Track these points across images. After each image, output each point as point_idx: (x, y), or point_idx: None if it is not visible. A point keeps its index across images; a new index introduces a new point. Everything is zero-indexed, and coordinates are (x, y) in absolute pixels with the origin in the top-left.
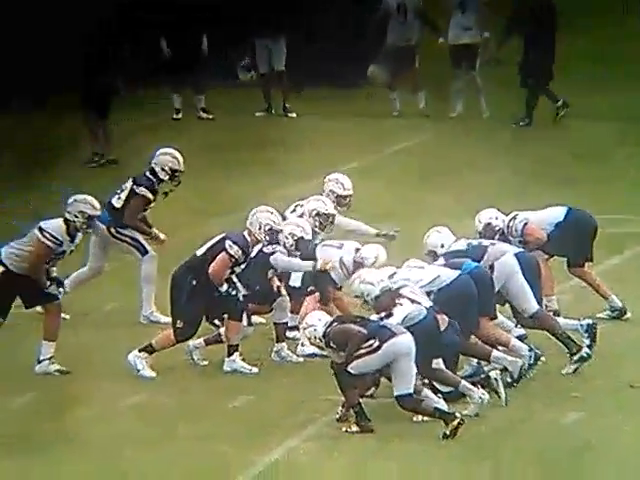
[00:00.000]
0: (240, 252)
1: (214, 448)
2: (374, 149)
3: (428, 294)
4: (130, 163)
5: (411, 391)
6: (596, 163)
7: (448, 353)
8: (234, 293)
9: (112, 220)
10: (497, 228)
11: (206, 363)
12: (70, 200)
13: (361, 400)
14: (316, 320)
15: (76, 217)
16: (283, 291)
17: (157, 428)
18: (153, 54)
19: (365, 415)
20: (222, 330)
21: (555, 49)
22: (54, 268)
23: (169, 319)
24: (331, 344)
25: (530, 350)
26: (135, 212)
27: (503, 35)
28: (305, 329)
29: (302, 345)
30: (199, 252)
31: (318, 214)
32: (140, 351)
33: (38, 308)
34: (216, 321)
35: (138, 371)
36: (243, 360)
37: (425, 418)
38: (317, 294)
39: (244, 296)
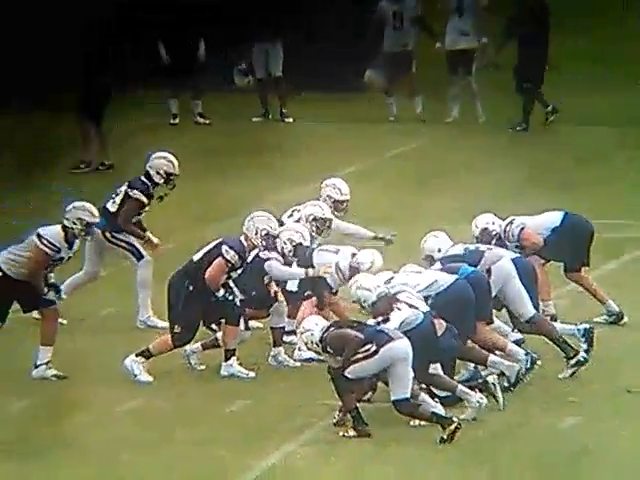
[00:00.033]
0: (236, 257)
1: (211, 452)
2: (371, 154)
3: (426, 299)
4: (128, 167)
5: (408, 396)
6: (594, 167)
7: (446, 358)
8: (231, 298)
9: (107, 224)
10: (494, 233)
11: (203, 367)
12: (69, 207)
13: (358, 404)
14: (313, 325)
15: (74, 224)
16: (280, 296)
17: (154, 432)
18: (152, 56)
19: (362, 419)
20: (219, 335)
21: (548, 52)
22: (52, 274)
23: (166, 324)
24: (328, 349)
25: (526, 354)
26: (129, 216)
27: (503, 38)
28: (302, 334)
29: (299, 350)
30: (196, 257)
31: (315, 219)
32: (137, 356)
33: (34, 313)
34: (213, 326)
35: (135, 376)
36: (240, 365)
37: (422, 422)
38: (314, 299)
39: (241, 301)
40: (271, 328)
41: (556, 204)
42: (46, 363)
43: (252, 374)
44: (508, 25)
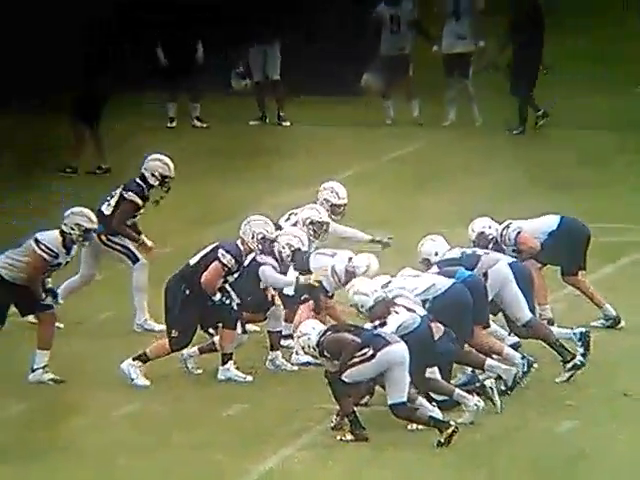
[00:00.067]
0: (233, 261)
1: (209, 456)
2: (369, 157)
3: (423, 302)
4: (125, 170)
5: (405, 399)
6: (592, 170)
7: (443, 362)
8: (228, 302)
9: (102, 227)
10: (490, 237)
11: (200, 371)
12: (67, 212)
13: (355, 409)
14: (310, 329)
15: (72, 229)
16: (277, 300)
17: (151, 436)
18: (150, 58)
19: (359, 424)
20: (216, 339)
21: (542, 54)
22: (49, 279)
23: (163, 327)
24: (325, 353)
25: (523, 358)
26: (124, 218)
27: (504, 42)
28: (299, 338)
29: (296, 353)
30: (192, 261)
31: (312, 222)
32: (134, 360)
33: (31, 318)
34: (210, 330)
35: (132, 380)
36: (237, 369)
37: (419, 426)
38: (311, 302)
39: (238, 305)
40: (268, 332)
41: (554, 207)
42: (43, 367)
43: (249, 378)
44: (508, 29)
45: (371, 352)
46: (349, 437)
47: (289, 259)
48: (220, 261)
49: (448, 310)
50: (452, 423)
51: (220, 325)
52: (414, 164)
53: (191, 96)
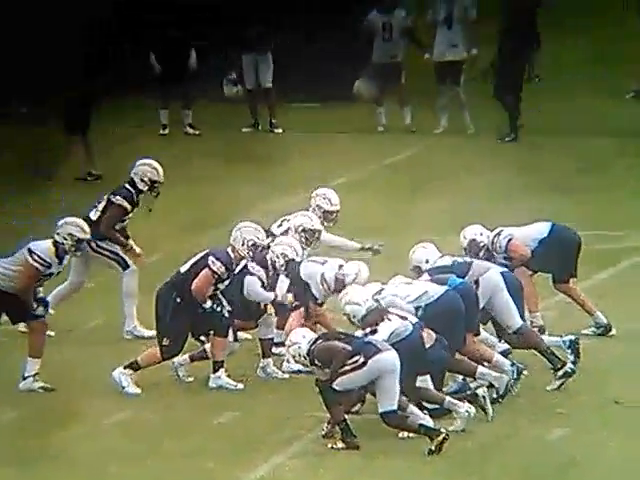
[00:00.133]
0: (223, 268)
1: (200, 464)
2: (361, 164)
3: (416, 310)
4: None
5: (395, 407)
6: (586, 177)
7: (435, 369)
8: (219, 309)
9: (91, 234)
10: (482, 244)
11: (191, 379)
12: (60, 222)
13: (346, 417)
14: (300, 337)
15: (65, 240)
16: (269, 307)
17: (142, 444)
18: (143, 65)
19: (351, 431)
20: (207, 346)
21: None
22: (40, 288)
23: (153, 333)
24: (316, 361)
25: (512, 365)
26: (111, 222)
27: (497, 51)
28: (289, 347)
29: (288, 361)
30: (183, 269)
31: (304, 230)
32: (125, 368)
33: (21, 326)
34: (202, 337)
35: (123, 388)
36: (228, 376)
37: (411, 434)
38: (302, 310)
39: (229, 312)
40: (260, 339)
41: (546, 214)
42: (33, 375)
43: (240, 386)
44: (500, 39)
45: (362, 360)
46: (340, 445)
47: (282, 268)
48: (210, 268)
49: (440, 317)
50: (443, 431)
51: (211, 333)
52: (406, 171)
53: (183, 103)
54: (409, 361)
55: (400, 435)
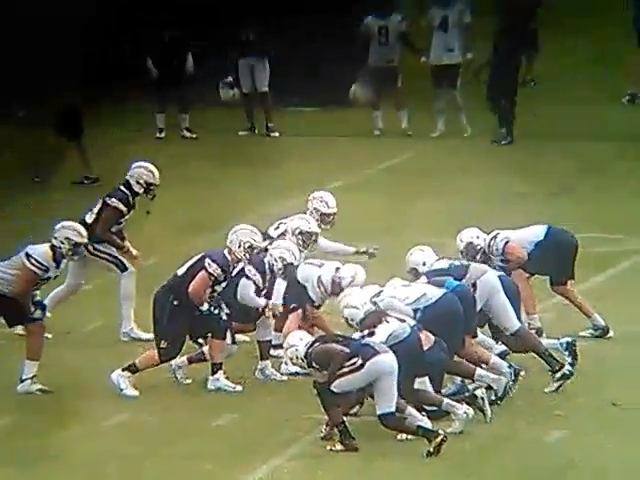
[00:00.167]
0: (219, 270)
1: (198, 467)
2: (358, 168)
3: (414, 312)
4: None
5: (393, 409)
6: (583, 179)
7: (434, 371)
8: (217, 312)
9: (88, 237)
10: (478, 247)
11: (189, 382)
12: (57, 226)
13: (345, 419)
14: (298, 340)
15: (62, 243)
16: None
17: (140, 447)
18: (140, 69)
19: (349, 434)
20: (206, 348)
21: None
22: (37, 292)
23: (150, 335)
24: (313, 364)
25: (509, 367)
26: (107, 224)
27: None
28: (287, 349)
29: (286, 363)
30: (180, 271)
31: (301, 232)
32: (123, 370)
33: (19, 329)
34: (200, 340)
35: (121, 390)
36: (227, 378)
37: (409, 436)
38: (299, 312)
39: (227, 314)
40: (258, 342)
41: (543, 216)
42: (31, 378)
43: (239, 388)
44: (496, 39)
45: (360, 362)
46: (339, 447)
47: (280, 272)
48: (207, 270)
49: (439, 320)
50: (441, 432)
51: (209, 335)
52: (403, 174)
53: (180, 107)
54: (407, 363)
55: (398, 437)
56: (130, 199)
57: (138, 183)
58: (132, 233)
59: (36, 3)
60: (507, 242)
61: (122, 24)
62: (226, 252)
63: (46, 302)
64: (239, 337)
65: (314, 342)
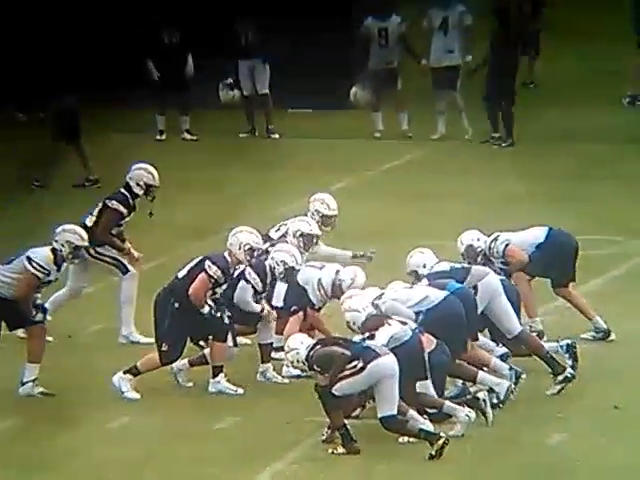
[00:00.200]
0: (219, 272)
1: (200, 470)
2: (358, 170)
3: (416, 314)
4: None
5: (395, 412)
6: (582, 182)
7: (436, 374)
8: (218, 314)
9: (88, 240)
10: (479, 249)
11: (191, 384)
12: (58, 229)
13: (346, 421)
14: (298, 343)
15: (63, 247)
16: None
17: (141, 450)
18: (140, 71)
19: (351, 436)
20: (207, 351)
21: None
22: (38, 294)
23: (149, 339)
24: (315, 367)
25: (510, 369)
26: (107, 226)
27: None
28: (288, 352)
29: (287, 366)
30: (180, 274)
31: (302, 235)
32: (125, 373)
33: (20, 332)
34: (201, 342)
35: (122, 393)
36: (228, 381)
37: (411, 439)
38: (300, 314)
39: (228, 317)
40: (259, 344)
41: (543, 219)
42: (33, 380)
43: (240, 390)
44: (491, 42)
45: (361, 365)
46: (340, 450)
47: (281, 276)
48: (206, 272)
49: (441, 322)
50: (442, 435)
51: (211, 338)
52: (404, 176)
53: (181, 109)
54: (408, 366)
55: (400, 440)
56: (130, 201)
57: (138, 185)
58: (133, 236)
59: (35, 4)
60: (508, 244)
61: (122, 26)
62: (226, 254)
63: (47, 305)
64: (240, 340)
65: (315, 345)
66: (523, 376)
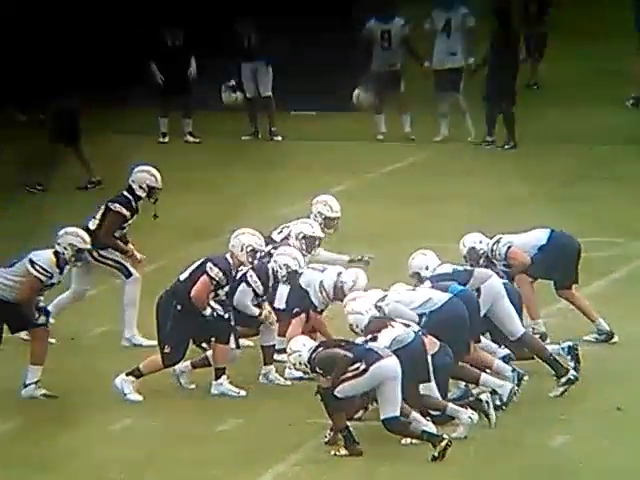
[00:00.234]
0: (221, 274)
1: (202, 472)
2: (360, 172)
3: (420, 316)
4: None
5: (397, 414)
6: (582, 184)
7: (439, 376)
8: (221, 316)
9: (91, 243)
10: (481, 252)
11: (193, 386)
12: (60, 232)
13: (349, 423)
14: (301, 346)
15: (65, 250)
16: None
17: (144, 452)
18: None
19: (353, 438)
20: (209, 353)
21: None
22: (41, 297)
23: (151, 342)
24: (317, 369)
25: (513, 371)
26: (110, 229)
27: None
28: (290, 355)
29: (290, 368)
30: (182, 276)
31: (304, 237)
32: (127, 375)
33: (23, 334)
34: (203, 344)
35: (125, 395)
36: (231, 383)
37: (414, 441)
38: (302, 316)
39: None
40: (261, 346)
41: (545, 221)
42: (35, 382)
43: (243, 392)
44: (492, 43)
45: (363, 367)
46: (343, 452)
47: (284, 279)
48: (208, 274)
49: (445, 324)
50: (445, 437)
51: (213, 340)
52: (406, 178)
53: (184, 112)
54: (411, 368)
55: (403, 442)
56: (133, 203)
57: (141, 187)
58: (135, 238)
59: (35, 6)
60: (510, 247)
61: (122, 26)
62: (228, 256)
63: (50, 308)
64: (243, 342)
65: (317, 347)
66: (526, 378)
